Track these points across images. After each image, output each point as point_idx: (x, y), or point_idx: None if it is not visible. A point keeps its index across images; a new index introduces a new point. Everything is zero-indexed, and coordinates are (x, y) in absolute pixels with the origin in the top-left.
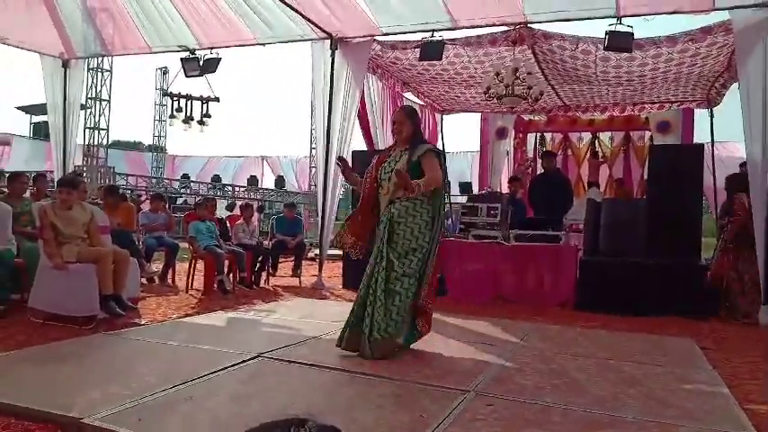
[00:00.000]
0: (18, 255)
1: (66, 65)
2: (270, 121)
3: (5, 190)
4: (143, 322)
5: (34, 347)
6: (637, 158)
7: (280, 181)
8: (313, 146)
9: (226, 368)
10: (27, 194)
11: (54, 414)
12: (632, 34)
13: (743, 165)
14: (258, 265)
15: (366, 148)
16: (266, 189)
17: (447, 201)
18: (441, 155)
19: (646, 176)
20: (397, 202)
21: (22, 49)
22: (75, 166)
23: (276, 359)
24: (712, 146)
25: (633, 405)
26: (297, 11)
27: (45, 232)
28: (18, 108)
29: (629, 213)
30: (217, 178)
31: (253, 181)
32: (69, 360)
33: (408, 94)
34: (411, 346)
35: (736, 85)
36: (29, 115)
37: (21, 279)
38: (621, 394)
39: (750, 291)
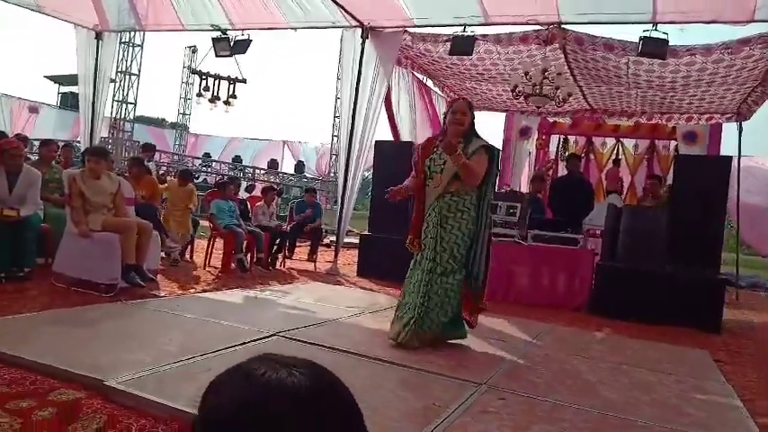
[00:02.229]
0: (44, 220)
1: (99, 37)
2: (293, 105)
3: (30, 157)
4: (162, 294)
5: (58, 310)
6: (660, 167)
7: (300, 166)
8: (335, 133)
9: (244, 344)
10: (55, 162)
11: (78, 374)
12: (667, 41)
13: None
14: (275, 247)
15: (392, 139)
16: (285, 173)
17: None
18: (493, 152)
19: (669, 186)
20: (447, 197)
21: (57, 18)
22: (101, 138)
23: (293, 339)
24: (739, 160)
25: (645, 410)
26: None
27: (73, 199)
28: (47, 77)
29: (650, 221)
30: (237, 159)
31: (273, 164)
32: (92, 325)
33: (435, 87)
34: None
35: None
36: (57, 85)
37: (46, 244)
38: (634, 399)
39: None
